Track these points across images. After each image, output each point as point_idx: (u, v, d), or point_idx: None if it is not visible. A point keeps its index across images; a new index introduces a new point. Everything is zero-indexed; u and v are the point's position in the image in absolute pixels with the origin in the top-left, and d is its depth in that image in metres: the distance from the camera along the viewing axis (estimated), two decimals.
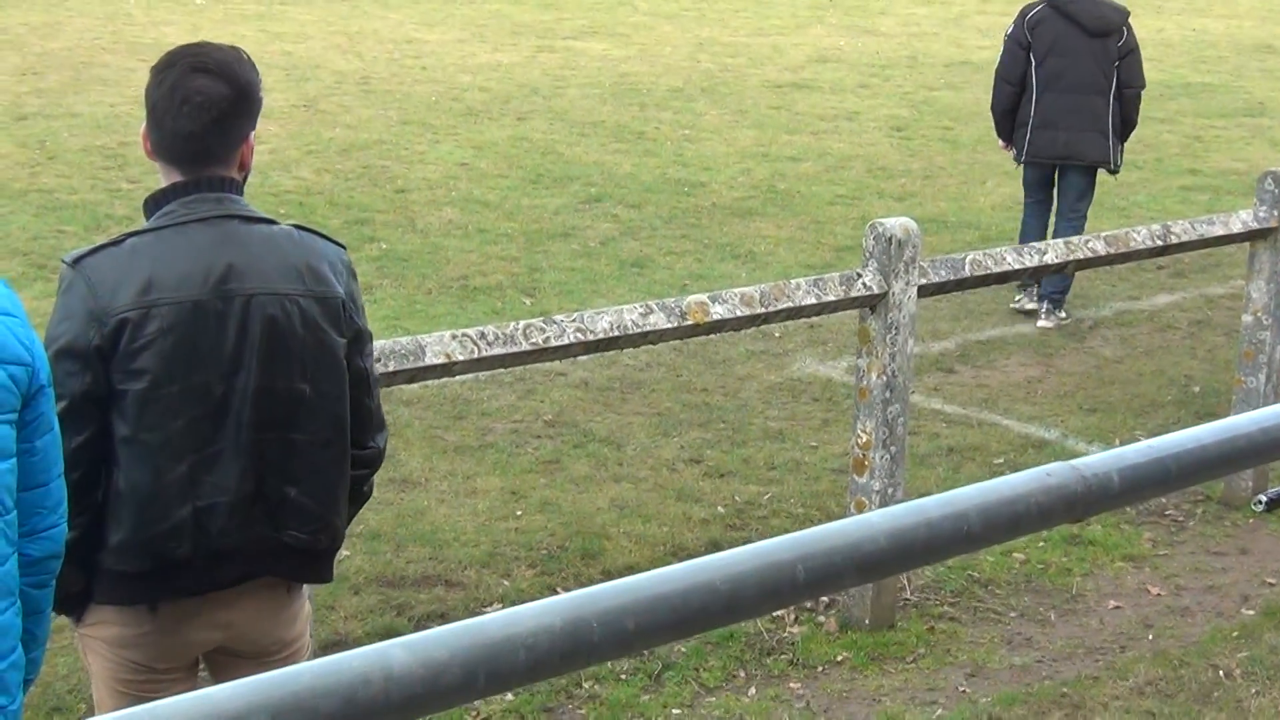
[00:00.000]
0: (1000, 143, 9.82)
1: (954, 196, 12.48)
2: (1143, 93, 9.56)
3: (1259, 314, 6.82)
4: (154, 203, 3.39)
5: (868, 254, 5.61)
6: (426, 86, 16.51)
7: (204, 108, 3.30)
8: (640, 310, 5.18)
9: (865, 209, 11.71)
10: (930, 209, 11.95)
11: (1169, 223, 6.83)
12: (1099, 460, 2.09)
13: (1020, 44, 9.46)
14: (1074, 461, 2.08)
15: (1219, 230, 6.78)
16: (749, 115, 15.67)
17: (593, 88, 16.93)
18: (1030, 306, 9.41)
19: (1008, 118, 9.57)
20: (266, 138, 13.49)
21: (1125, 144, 9.59)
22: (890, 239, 5.56)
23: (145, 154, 3.43)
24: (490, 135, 14.08)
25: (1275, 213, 6.76)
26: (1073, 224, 9.44)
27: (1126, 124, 9.45)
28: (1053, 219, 9.67)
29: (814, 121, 15.49)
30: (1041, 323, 9.24)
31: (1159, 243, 6.63)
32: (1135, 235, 6.59)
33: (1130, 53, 9.41)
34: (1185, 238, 6.72)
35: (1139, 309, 9.76)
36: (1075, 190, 9.54)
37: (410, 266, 9.88)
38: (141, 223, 3.42)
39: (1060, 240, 6.51)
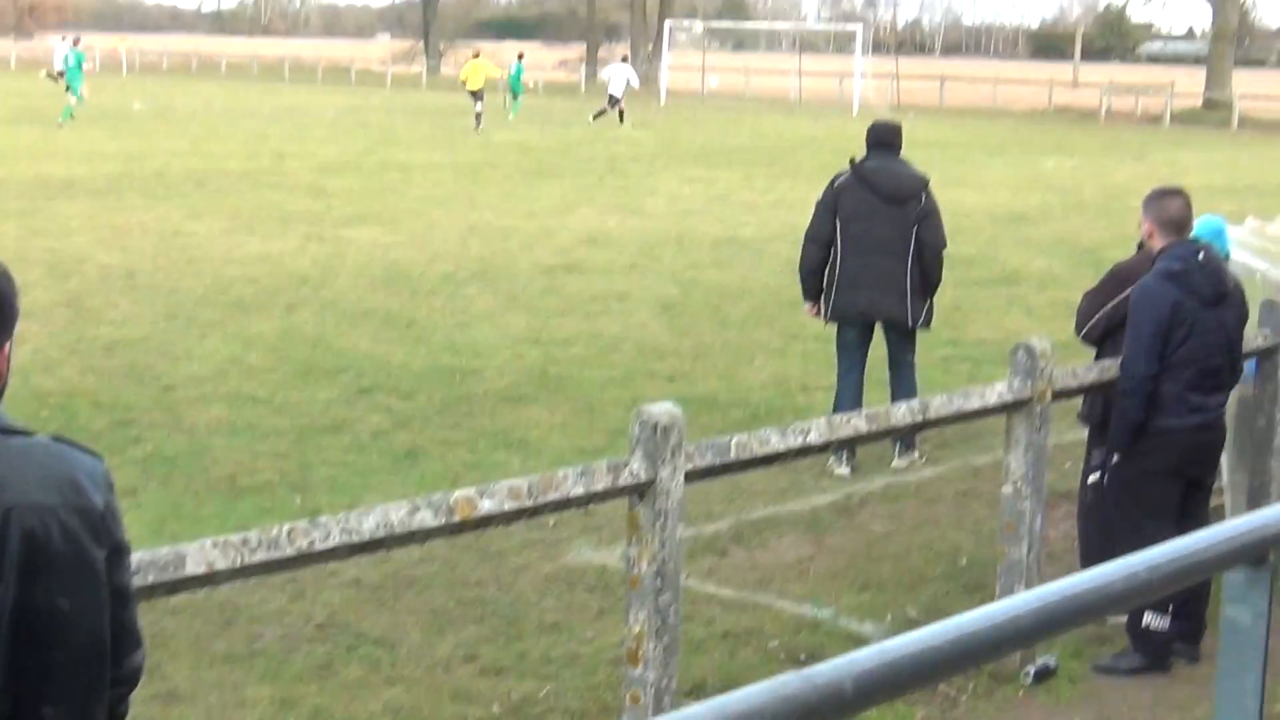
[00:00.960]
0: (806, 305, 10.25)
1: (724, 375, 12.65)
2: (943, 251, 10.17)
3: (1018, 484, 6.98)
4: None
5: (634, 441, 5.63)
6: (194, 279, 16.33)
7: None
8: (407, 508, 5.12)
9: (637, 390, 11.80)
10: (701, 388, 12.10)
11: (927, 398, 6.98)
12: (830, 668, 2.11)
13: (828, 208, 10.15)
14: (805, 671, 2.09)
15: (975, 403, 6.94)
16: (520, 299, 15.78)
17: (363, 276, 16.92)
18: (842, 471, 9.67)
19: (814, 277, 10.20)
20: (28, 337, 13.17)
21: (933, 299, 10.25)
22: (656, 426, 5.58)
23: None
24: (259, 328, 13.94)
25: (1029, 384, 6.95)
26: (904, 373, 10.20)
27: (928, 282, 10.02)
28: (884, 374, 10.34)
29: (585, 303, 15.65)
30: (896, 463, 10.06)
31: (918, 418, 6.76)
32: (895, 412, 6.73)
33: (928, 216, 9.95)
34: (943, 412, 6.87)
35: (906, 482, 9.95)
36: (894, 344, 10.25)
37: (176, 467, 9.66)
38: None
39: (823, 419, 6.60)
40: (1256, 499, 8.19)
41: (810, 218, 10.32)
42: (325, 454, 10.04)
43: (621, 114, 47.69)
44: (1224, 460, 8.82)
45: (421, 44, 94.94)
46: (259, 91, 66.15)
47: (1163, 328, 6.80)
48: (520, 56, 53.83)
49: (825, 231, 10.08)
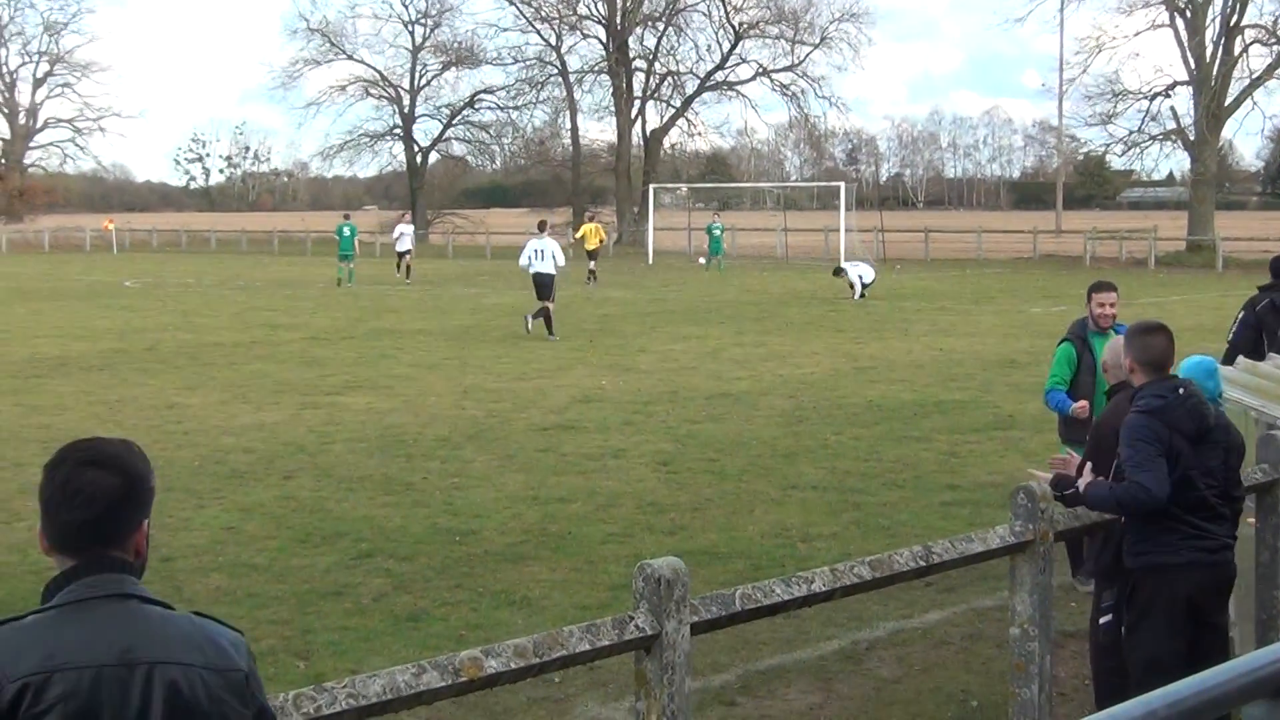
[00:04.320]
0: None
1: (723, 527, 12.62)
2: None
3: (1025, 626, 6.95)
4: (55, 586, 3.44)
5: (638, 595, 5.62)
6: (190, 451, 16.34)
7: (95, 498, 3.42)
8: (413, 670, 5.09)
9: (637, 545, 11.78)
10: (701, 541, 12.07)
11: (930, 543, 6.97)
12: None
13: (1250, 326, 12.33)
14: None
15: (978, 547, 6.94)
16: (516, 459, 15.79)
17: (359, 441, 16.94)
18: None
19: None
20: (26, 514, 13.17)
21: None
22: (660, 580, 5.57)
23: (42, 552, 3.53)
24: (256, 496, 13.93)
25: (1030, 526, 6.96)
26: None
27: None
28: None
29: (581, 461, 15.66)
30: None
31: (921, 563, 6.75)
32: (898, 558, 6.72)
33: None
34: (947, 557, 6.86)
35: (912, 627, 9.89)
36: None
37: None
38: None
39: (826, 569, 6.59)
40: (1265, 632, 8.15)
41: (1233, 333, 12.47)
42: (327, 619, 9.99)
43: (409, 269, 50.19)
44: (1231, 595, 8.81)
45: (409, 214, 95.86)
46: (249, 264, 66.68)
47: (1164, 447, 6.77)
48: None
49: (1248, 345, 12.01)
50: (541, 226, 33.16)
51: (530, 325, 30.27)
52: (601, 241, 53.66)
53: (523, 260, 31.83)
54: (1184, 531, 6.85)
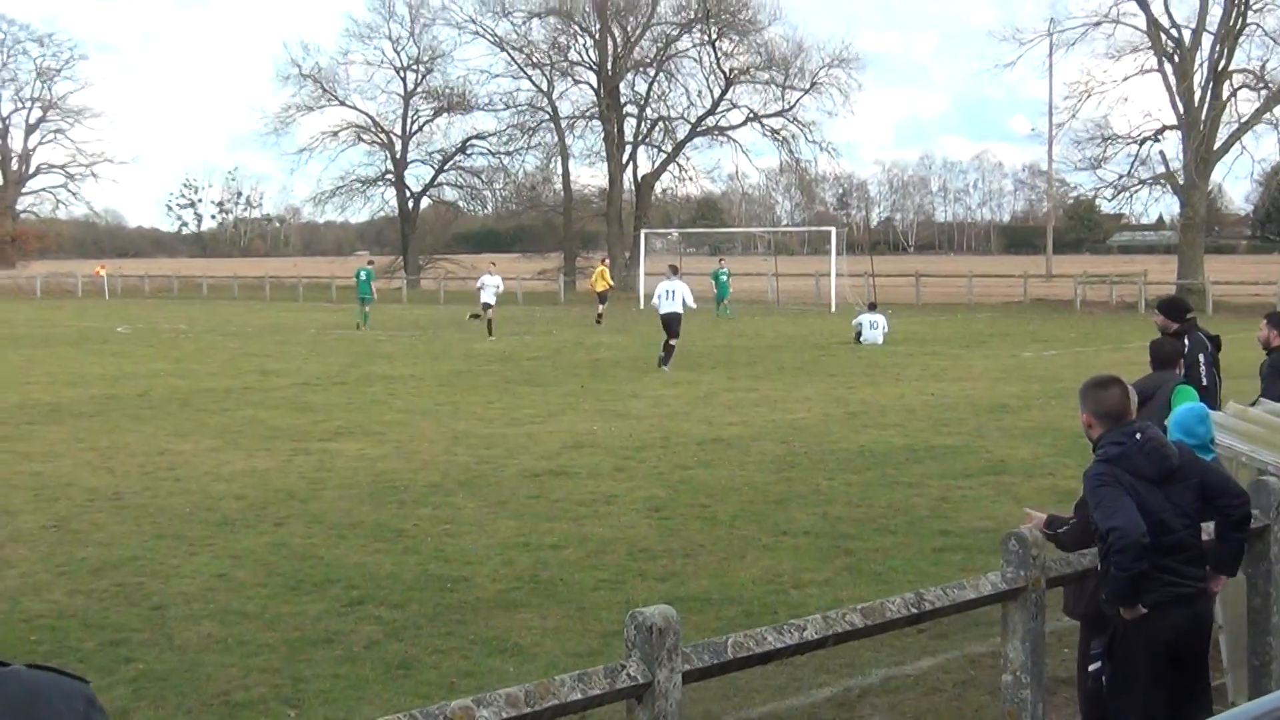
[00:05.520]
0: None
1: (715, 573, 12.61)
2: None
3: (1017, 673, 6.94)
4: None
5: (630, 644, 5.61)
6: (181, 498, 16.32)
7: None
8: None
9: (629, 592, 11.76)
10: (693, 587, 12.05)
11: (922, 590, 6.97)
12: None
13: (1211, 361, 12.66)
14: None
15: (970, 594, 6.93)
16: (508, 505, 15.77)
17: (350, 488, 16.92)
18: None
19: None
20: (16, 561, 13.14)
21: None
22: (651, 628, 5.57)
23: None
24: (248, 543, 13.90)
25: (1022, 573, 6.96)
26: None
27: None
28: None
29: (573, 507, 15.64)
30: None
31: (913, 610, 6.75)
32: (890, 606, 6.71)
33: None
34: (939, 604, 6.86)
35: (905, 674, 9.87)
36: None
37: (169, 686, 9.56)
38: None
39: (819, 616, 6.58)
40: (1258, 679, 8.15)
41: (1209, 376, 12.64)
42: (318, 667, 9.95)
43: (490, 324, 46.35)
44: (1223, 641, 8.81)
45: (401, 259, 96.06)
46: (241, 310, 66.71)
47: (1126, 490, 6.76)
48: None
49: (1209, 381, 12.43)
50: (674, 270, 36.02)
51: (668, 367, 32.91)
52: (610, 285, 55.01)
53: (655, 300, 35.27)
54: (1162, 579, 6.85)
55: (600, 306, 53.10)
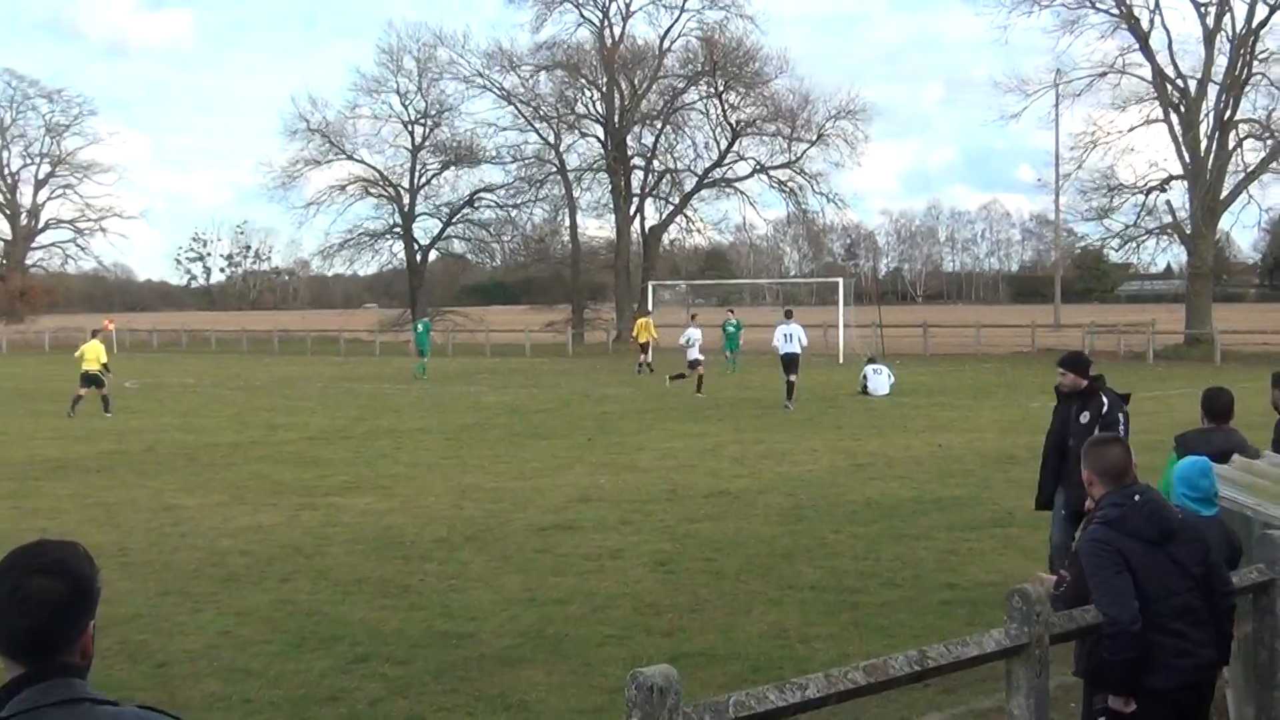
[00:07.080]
0: None
1: (721, 628, 12.56)
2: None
3: None
4: (5, 694, 3.48)
5: (631, 704, 5.58)
6: (187, 554, 16.30)
7: (42, 605, 3.49)
8: None
9: (635, 648, 11.72)
10: (698, 642, 12.00)
11: (925, 648, 6.93)
12: None
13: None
14: None
15: (973, 651, 6.89)
16: (514, 560, 15.73)
17: (356, 543, 16.89)
18: None
19: None
20: None
21: None
22: (652, 688, 5.54)
23: None
24: (252, 600, 13.87)
25: (1026, 629, 6.92)
26: None
27: None
28: None
29: (579, 561, 15.60)
30: None
31: (916, 668, 6.70)
32: (893, 663, 6.67)
33: None
34: (942, 661, 6.81)
35: None
36: None
37: None
38: None
39: (821, 675, 6.55)
40: None
41: (1126, 431, 12.18)
42: None
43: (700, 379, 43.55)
44: (1229, 696, 8.76)
45: (409, 312, 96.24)
46: (249, 364, 66.80)
47: (1121, 560, 6.76)
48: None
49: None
50: (789, 314, 39.05)
51: (791, 405, 35.95)
52: (654, 337, 57.15)
53: (776, 341, 37.94)
54: (1167, 646, 6.82)
55: (643, 356, 55.30)
